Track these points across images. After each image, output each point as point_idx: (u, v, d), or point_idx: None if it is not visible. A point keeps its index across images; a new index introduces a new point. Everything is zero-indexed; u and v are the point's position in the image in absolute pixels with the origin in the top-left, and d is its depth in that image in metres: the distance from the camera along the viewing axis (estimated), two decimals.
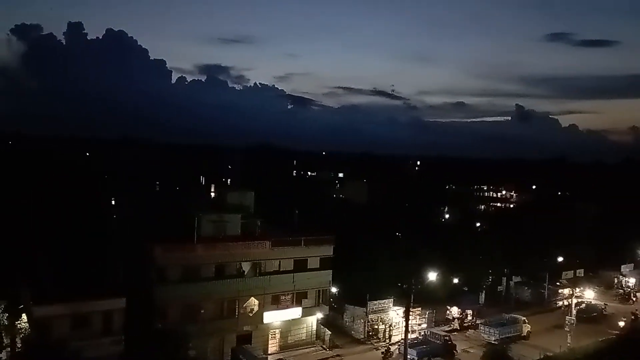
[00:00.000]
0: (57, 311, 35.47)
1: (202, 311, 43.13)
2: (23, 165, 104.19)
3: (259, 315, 45.71)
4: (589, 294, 65.11)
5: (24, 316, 38.48)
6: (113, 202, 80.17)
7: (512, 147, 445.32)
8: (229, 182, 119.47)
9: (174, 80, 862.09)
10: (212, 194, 63.77)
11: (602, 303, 64.53)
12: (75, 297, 36.14)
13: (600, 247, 73.74)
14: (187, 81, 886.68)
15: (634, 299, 69.50)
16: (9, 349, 37.20)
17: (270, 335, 47.01)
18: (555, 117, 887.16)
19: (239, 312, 44.94)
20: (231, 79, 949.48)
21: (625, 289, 72.45)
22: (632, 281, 73.79)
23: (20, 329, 37.79)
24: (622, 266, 75.62)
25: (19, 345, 37.05)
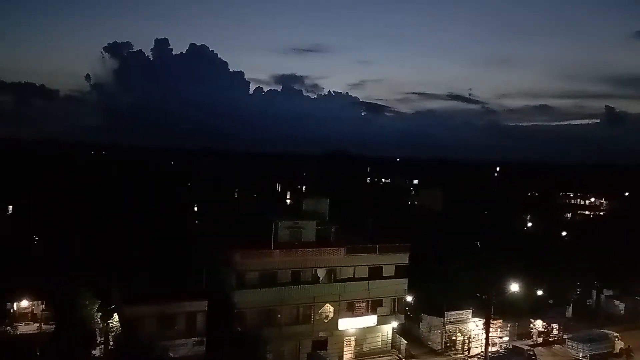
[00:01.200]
0: (146, 311, 37.38)
1: (279, 316, 43.92)
2: (114, 174, 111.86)
3: (333, 322, 45.90)
4: None
5: (115, 315, 41.14)
6: (195, 209, 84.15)
7: (602, 152, 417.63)
8: (304, 189, 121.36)
9: (251, 91, 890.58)
10: (288, 201, 65.10)
11: None
12: (162, 298, 37.97)
13: None
14: (263, 91, 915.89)
15: None
16: (102, 346, 39.90)
17: (345, 343, 46.94)
18: None
19: (314, 317, 45.36)
20: (306, 87, 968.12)
21: None
22: None
23: (112, 327, 40.42)
24: None
25: (111, 342, 39.69)
